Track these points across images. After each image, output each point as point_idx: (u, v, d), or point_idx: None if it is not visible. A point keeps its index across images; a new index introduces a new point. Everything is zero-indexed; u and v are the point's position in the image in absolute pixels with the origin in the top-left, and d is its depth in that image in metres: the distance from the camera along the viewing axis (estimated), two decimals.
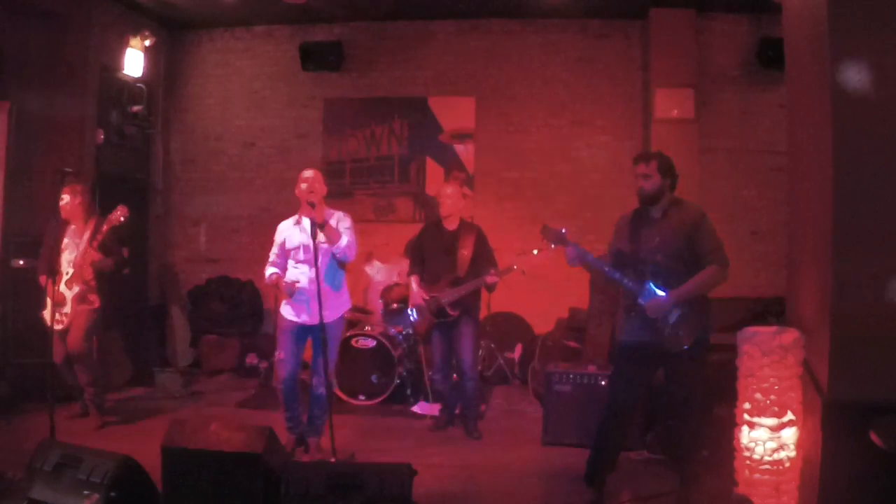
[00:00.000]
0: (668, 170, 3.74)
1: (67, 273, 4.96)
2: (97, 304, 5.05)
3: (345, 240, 4.37)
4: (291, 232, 4.51)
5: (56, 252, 4.94)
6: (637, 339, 3.70)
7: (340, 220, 4.46)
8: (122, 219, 4.83)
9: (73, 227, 5.07)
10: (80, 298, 4.97)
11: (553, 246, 3.90)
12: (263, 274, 4.58)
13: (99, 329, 5.20)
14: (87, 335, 5.00)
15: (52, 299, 4.79)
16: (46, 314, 4.90)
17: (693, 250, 3.62)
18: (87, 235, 4.97)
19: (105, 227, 4.84)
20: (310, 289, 4.30)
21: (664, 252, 3.65)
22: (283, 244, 4.52)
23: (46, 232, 5.09)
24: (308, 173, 4.45)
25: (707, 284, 3.60)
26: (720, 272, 3.60)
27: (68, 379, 5.11)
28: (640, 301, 3.63)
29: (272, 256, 4.58)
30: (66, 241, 5.04)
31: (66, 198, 5.00)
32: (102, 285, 5.07)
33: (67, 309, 4.97)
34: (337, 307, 4.48)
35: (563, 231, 3.85)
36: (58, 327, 4.89)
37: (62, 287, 4.96)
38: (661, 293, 3.59)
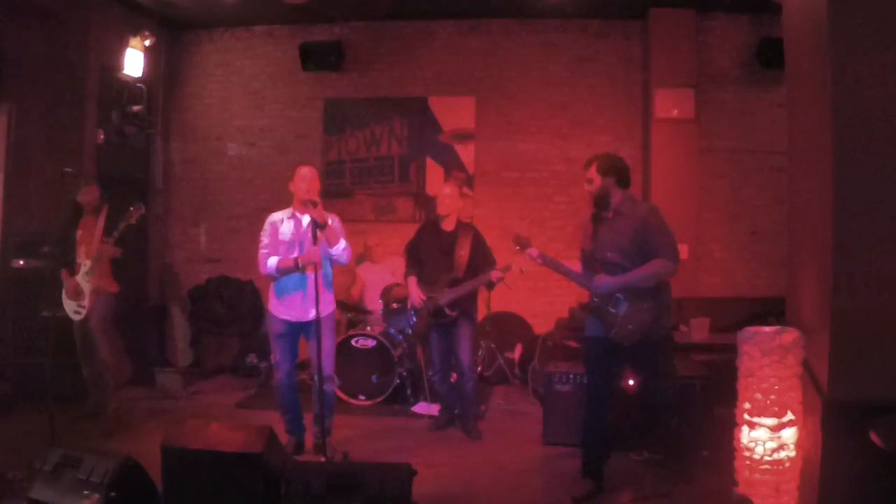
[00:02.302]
0: (608, 169, 3.85)
1: (85, 265, 4.97)
2: (114, 289, 5.10)
3: (343, 243, 4.38)
4: (285, 226, 4.47)
5: (72, 245, 5.02)
6: (594, 334, 3.87)
7: (333, 222, 4.45)
8: (135, 219, 4.84)
9: (85, 220, 5.10)
10: (96, 291, 5.00)
11: (520, 250, 4.08)
12: (265, 268, 4.42)
13: (116, 315, 5.20)
14: (105, 320, 5.05)
15: (69, 291, 4.93)
16: (67, 306, 4.99)
17: (644, 247, 3.72)
18: (99, 224, 4.98)
19: (122, 225, 4.84)
20: (301, 285, 4.33)
21: (615, 249, 3.77)
22: (275, 235, 4.45)
23: (66, 228, 5.12)
24: (306, 171, 4.42)
25: (652, 275, 3.69)
26: (667, 265, 3.69)
27: (86, 370, 5.14)
28: (593, 297, 3.78)
29: (265, 248, 4.45)
30: (80, 233, 5.08)
31: (86, 192, 5.09)
32: (117, 271, 5.13)
33: (86, 301, 4.99)
34: (327, 303, 4.48)
35: (527, 237, 4.09)
36: (77, 317, 4.99)
37: (80, 278, 4.97)
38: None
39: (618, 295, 3.73)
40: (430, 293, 5.02)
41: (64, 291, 5.02)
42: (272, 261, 4.40)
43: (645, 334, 3.68)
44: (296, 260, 4.32)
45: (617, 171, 3.84)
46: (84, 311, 4.99)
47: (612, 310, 3.73)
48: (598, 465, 3.91)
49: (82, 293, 4.97)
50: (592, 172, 3.85)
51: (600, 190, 3.83)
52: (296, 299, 4.40)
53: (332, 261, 4.46)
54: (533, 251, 3.99)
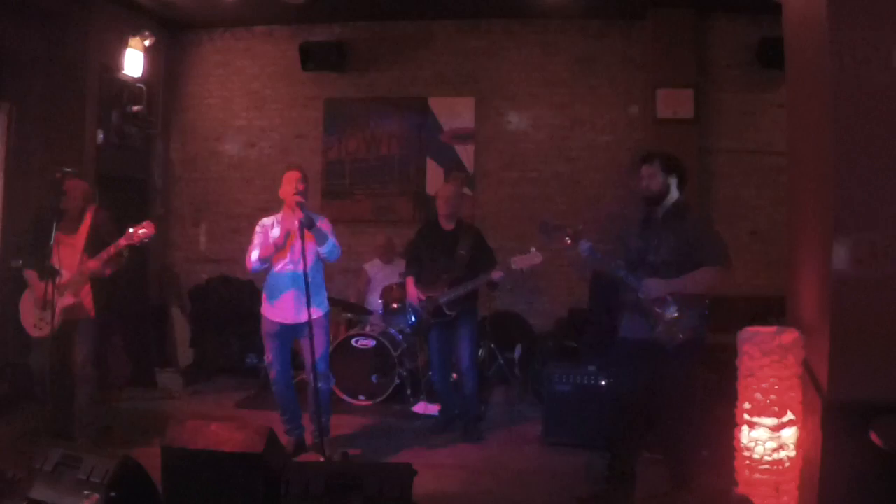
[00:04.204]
0: (674, 167, 3.78)
1: (62, 275, 4.37)
2: (92, 315, 4.52)
3: (330, 242, 4.41)
4: (276, 229, 4.52)
5: (49, 250, 4.29)
6: (636, 336, 3.75)
7: (322, 223, 4.48)
8: (144, 239, 4.37)
9: (66, 223, 4.49)
10: (69, 310, 4.41)
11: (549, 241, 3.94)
12: (249, 262, 4.50)
13: (97, 341, 4.70)
14: (90, 352, 4.52)
15: (45, 301, 4.26)
16: (27, 317, 4.50)
17: (693, 253, 3.65)
18: (83, 229, 4.52)
19: (122, 242, 4.33)
20: (292, 287, 4.36)
21: (668, 251, 3.69)
22: (266, 237, 4.50)
23: (38, 225, 4.52)
24: (294, 174, 4.46)
25: (704, 282, 3.63)
26: (719, 272, 3.63)
27: (42, 393, 4.50)
28: (640, 296, 3.66)
29: (254, 247, 4.51)
30: (57, 234, 4.34)
31: (67, 191, 4.49)
32: (99, 294, 4.56)
33: (53, 316, 4.27)
34: (320, 304, 4.51)
35: (566, 228, 3.92)
36: (38, 333, 4.43)
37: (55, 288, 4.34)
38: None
39: (667, 297, 3.64)
40: (429, 293, 5.02)
41: (27, 299, 4.50)
42: (255, 253, 4.46)
43: (690, 338, 3.61)
44: (275, 241, 4.39)
45: (680, 171, 3.79)
46: (47, 328, 4.23)
47: (659, 310, 3.64)
48: (628, 467, 3.85)
49: (52, 306, 4.24)
50: (656, 168, 3.75)
51: (662, 188, 3.75)
52: (287, 301, 4.43)
53: (322, 260, 4.49)
54: (583, 246, 3.84)
